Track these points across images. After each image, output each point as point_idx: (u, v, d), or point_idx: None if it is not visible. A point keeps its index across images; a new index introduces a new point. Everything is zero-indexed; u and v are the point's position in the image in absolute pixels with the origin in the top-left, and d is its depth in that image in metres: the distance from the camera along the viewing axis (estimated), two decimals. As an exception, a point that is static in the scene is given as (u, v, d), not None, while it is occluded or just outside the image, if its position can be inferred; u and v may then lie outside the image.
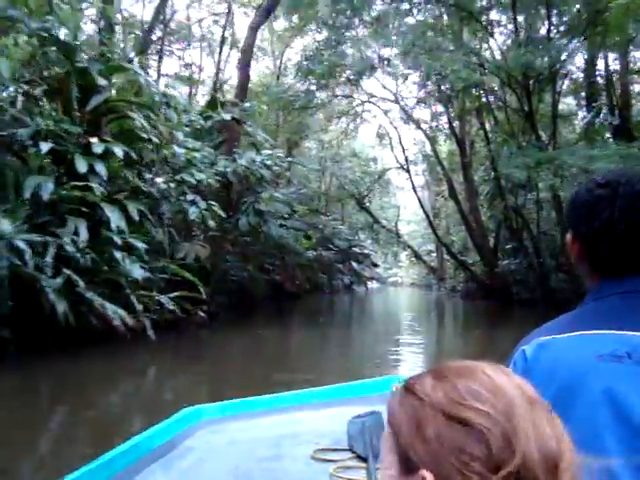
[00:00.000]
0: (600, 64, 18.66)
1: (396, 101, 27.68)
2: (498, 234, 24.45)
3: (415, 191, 28.59)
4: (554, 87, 17.28)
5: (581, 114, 21.30)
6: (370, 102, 28.02)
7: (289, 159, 19.85)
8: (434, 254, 49.38)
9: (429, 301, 38.27)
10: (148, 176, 10.36)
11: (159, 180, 10.27)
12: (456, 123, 24.65)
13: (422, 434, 0.58)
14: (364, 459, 1.83)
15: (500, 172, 14.93)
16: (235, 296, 18.05)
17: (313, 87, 24.93)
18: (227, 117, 13.74)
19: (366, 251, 50.75)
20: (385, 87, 27.80)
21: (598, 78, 18.78)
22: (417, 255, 45.27)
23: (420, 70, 19.01)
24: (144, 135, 9.73)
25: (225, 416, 2.38)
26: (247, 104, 16.02)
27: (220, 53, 24.81)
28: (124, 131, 10.40)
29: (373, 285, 72.18)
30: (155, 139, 9.85)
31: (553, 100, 17.35)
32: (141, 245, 9.59)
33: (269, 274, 25.26)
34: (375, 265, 52.82)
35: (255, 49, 31.63)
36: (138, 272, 9.43)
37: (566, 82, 18.87)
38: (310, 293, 36.30)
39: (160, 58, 23.62)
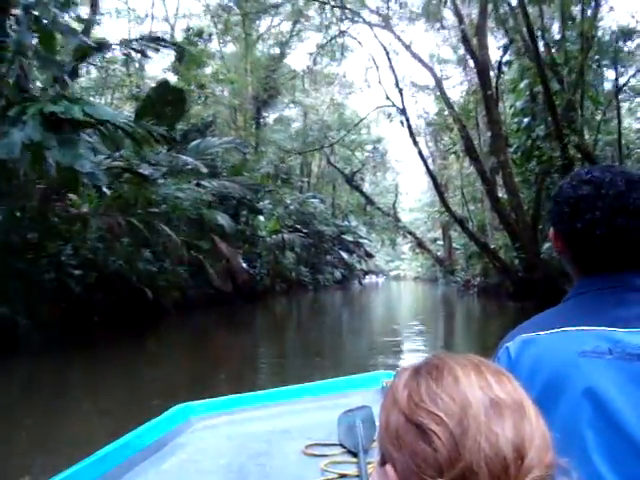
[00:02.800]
0: None
1: (386, 26, 19.75)
2: (538, 205, 16.44)
3: (415, 141, 20.17)
4: None
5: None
6: (357, 21, 20.02)
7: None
8: (440, 242, 41.37)
9: (436, 300, 30.32)
10: None
11: None
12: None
13: (389, 431, 0.59)
14: (355, 454, 1.84)
15: None
16: (86, 303, 10.18)
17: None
18: None
19: (363, 240, 42.87)
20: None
21: None
22: (420, 243, 37.18)
23: None
24: None
25: (215, 413, 2.32)
26: None
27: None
28: None
29: (378, 279, 64.90)
30: None
31: None
32: None
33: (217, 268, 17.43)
34: (370, 255, 44.84)
35: None
36: None
37: None
38: (284, 293, 28.38)
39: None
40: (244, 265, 18.45)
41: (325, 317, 19.97)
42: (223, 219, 13.47)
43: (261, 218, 23.63)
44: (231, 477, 1.77)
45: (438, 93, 20.00)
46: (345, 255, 38.45)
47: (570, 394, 0.96)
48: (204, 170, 12.34)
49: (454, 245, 36.97)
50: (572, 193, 1.06)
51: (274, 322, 18.25)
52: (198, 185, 13.87)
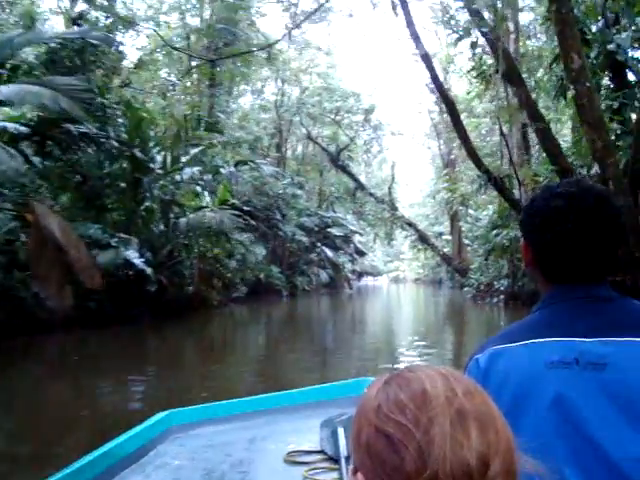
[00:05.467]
0: None
1: None
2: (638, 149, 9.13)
3: (418, 39, 11.87)
4: None
5: None
6: None
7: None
8: (447, 237, 34.09)
9: (445, 311, 22.98)
10: None
11: None
12: None
13: (359, 440, 0.61)
14: (336, 460, 1.83)
15: None
16: None
17: None
18: None
19: (353, 234, 35.64)
20: None
21: None
22: (422, 237, 29.92)
23: None
24: None
25: (198, 420, 2.32)
26: None
27: None
28: None
29: (378, 282, 57.91)
30: None
31: None
32: None
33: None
34: (361, 253, 37.46)
35: None
36: None
37: None
38: (243, 301, 21.15)
39: None
40: (138, 260, 11.16)
41: (283, 343, 12.62)
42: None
43: (206, 195, 16.46)
44: None
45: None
46: (330, 253, 31.15)
47: (538, 405, 0.96)
48: None
49: (464, 240, 29.87)
50: (544, 205, 1.08)
51: (185, 359, 10.97)
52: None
